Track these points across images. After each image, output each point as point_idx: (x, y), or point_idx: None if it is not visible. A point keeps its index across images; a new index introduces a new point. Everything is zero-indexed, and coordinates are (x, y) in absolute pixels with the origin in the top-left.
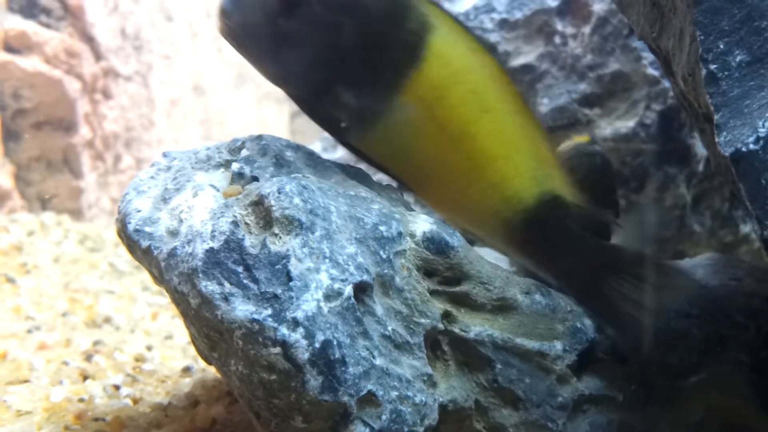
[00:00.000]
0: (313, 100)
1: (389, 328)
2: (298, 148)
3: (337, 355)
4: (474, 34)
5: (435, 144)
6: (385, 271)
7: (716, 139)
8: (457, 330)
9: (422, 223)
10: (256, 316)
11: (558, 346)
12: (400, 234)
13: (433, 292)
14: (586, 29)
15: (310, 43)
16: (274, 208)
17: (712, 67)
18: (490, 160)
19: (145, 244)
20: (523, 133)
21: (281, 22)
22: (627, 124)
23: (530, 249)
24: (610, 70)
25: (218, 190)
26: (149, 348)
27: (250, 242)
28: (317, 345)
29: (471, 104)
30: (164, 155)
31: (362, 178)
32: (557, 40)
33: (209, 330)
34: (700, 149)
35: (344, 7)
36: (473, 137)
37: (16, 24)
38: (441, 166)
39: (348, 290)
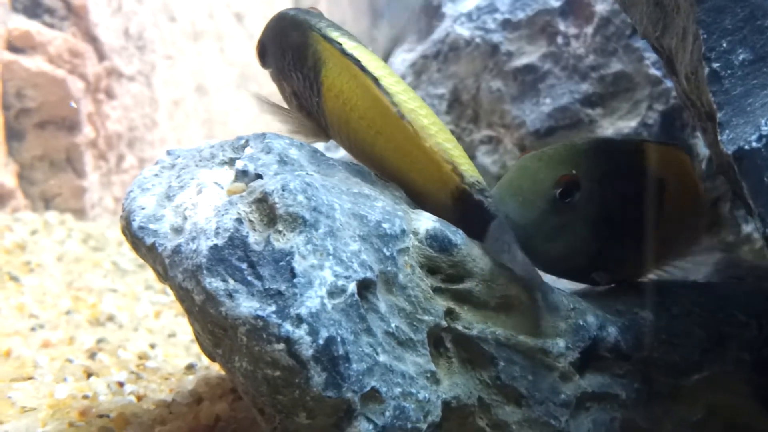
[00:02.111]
0: None
1: (393, 325)
2: (301, 146)
3: (341, 351)
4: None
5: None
6: (389, 268)
7: (719, 138)
8: (460, 327)
9: (425, 221)
10: (260, 313)
11: (561, 343)
12: (403, 231)
13: (436, 290)
14: (589, 29)
15: None
16: (278, 206)
17: (715, 65)
18: (398, 175)
19: (149, 241)
20: (420, 144)
21: None
22: (629, 124)
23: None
24: (612, 70)
25: (222, 188)
26: (153, 346)
27: (254, 239)
28: (321, 341)
29: (365, 129)
30: (168, 153)
31: (365, 176)
32: (560, 40)
33: (213, 326)
34: (702, 149)
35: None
36: (378, 157)
37: (20, 24)
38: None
39: (351, 287)
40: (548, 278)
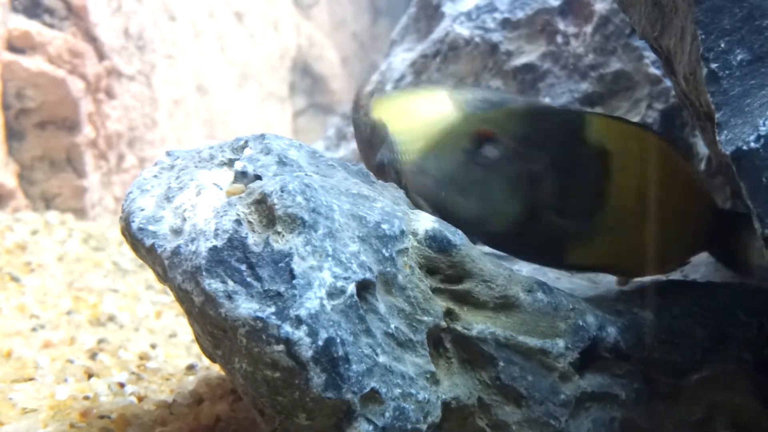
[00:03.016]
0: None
1: (392, 326)
2: (300, 146)
3: (341, 352)
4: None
5: None
6: (388, 269)
7: (717, 138)
8: (459, 328)
9: (424, 221)
10: (259, 314)
11: (560, 343)
12: (402, 232)
13: (435, 290)
14: (588, 29)
15: None
16: (277, 207)
17: (713, 65)
18: None
19: (148, 242)
20: None
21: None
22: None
23: None
24: (612, 69)
25: (221, 189)
26: (153, 346)
27: (254, 240)
28: (320, 342)
29: None
30: (167, 154)
31: (365, 177)
32: (559, 39)
33: (213, 328)
34: (701, 148)
35: None
36: None
37: (20, 24)
38: None
39: (351, 288)
40: (547, 278)
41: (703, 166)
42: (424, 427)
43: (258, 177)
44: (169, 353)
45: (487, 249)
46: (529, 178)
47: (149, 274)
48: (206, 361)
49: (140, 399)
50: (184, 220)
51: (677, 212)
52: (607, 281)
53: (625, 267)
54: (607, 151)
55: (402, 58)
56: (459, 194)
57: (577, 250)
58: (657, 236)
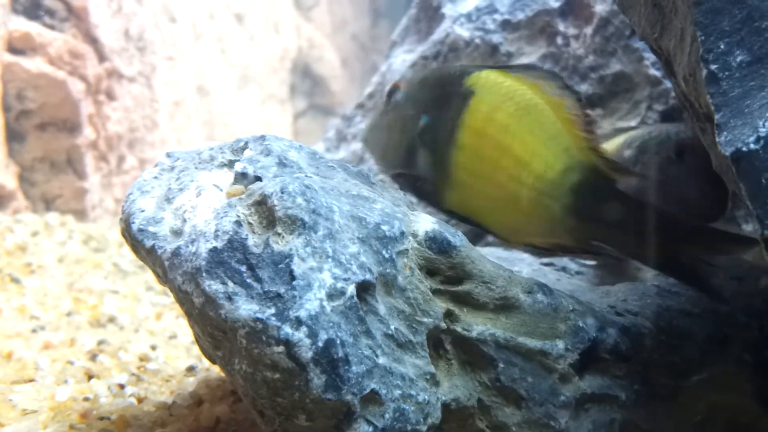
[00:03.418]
0: None
1: (392, 327)
2: (301, 148)
3: (340, 353)
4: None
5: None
6: (388, 270)
7: (717, 139)
8: (459, 329)
9: (424, 223)
10: (259, 315)
11: (560, 345)
12: (402, 233)
13: (435, 292)
14: (588, 30)
15: None
16: (277, 208)
17: (713, 67)
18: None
19: (149, 243)
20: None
21: None
22: (629, 125)
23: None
24: (612, 70)
25: (221, 190)
26: (153, 347)
27: (254, 242)
28: (320, 344)
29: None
30: (168, 155)
31: (365, 178)
32: (559, 40)
33: (213, 329)
34: None
35: None
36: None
37: (20, 25)
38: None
39: (351, 289)
40: (547, 279)
41: None
42: (424, 428)
43: (258, 178)
44: (169, 355)
45: (486, 250)
46: (412, 119)
47: (149, 276)
48: (206, 363)
49: (140, 400)
50: (185, 221)
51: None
52: (607, 283)
53: (480, 222)
54: (471, 93)
55: (402, 59)
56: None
57: (443, 192)
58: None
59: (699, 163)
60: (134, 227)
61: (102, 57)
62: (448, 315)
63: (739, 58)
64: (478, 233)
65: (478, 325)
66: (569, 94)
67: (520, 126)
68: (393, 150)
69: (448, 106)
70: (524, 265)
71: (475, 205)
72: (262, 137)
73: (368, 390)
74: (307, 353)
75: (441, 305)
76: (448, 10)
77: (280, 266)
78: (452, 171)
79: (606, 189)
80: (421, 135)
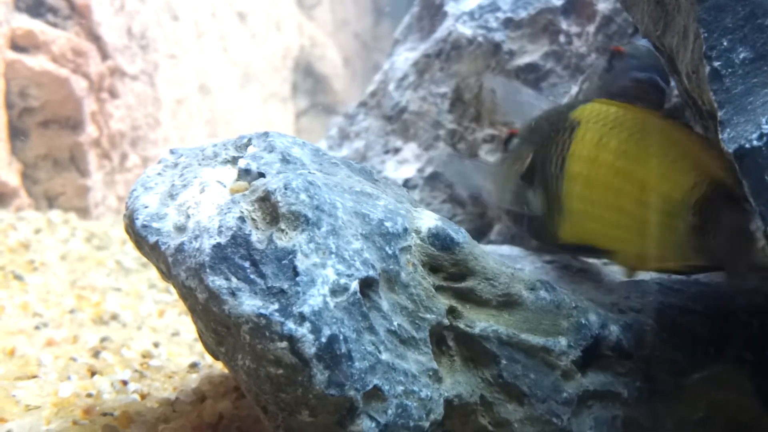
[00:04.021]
0: None
1: (395, 324)
2: (304, 144)
3: (344, 349)
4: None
5: None
6: (391, 266)
7: (720, 136)
8: (462, 325)
9: (427, 219)
10: (263, 311)
11: (563, 341)
12: (405, 230)
13: (438, 288)
14: (591, 28)
15: None
16: (280, 204)
17: (716, 64)
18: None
19: (152, 239)
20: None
21: None
22: None
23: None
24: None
25: (225, 186)
26: (156, 345)
27: (257, 237)
28: (323, 340)
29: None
30: (171, 152)
31: (368, 175)
32: (562, 39)
33: (216, 325)
34: None
35: None
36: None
37: (23, 23)
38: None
39: (354, 285)
40: (550, 277)
41: None
42: (427, 424)
43: (261, 174)
44: (172, 351)
45: (489, 248)
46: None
47: (152, 273)
48: (209, 359)
49: (143, 397)
50: (188, 217)
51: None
52: (610, 280)
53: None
54: (576, 124)
55: (405, 57)
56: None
57: (555, 225)
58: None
59: (628, 63)
60: (138, 223)
61: (105, 55)
62: (451, 311)
63: (742, 55)
64: (481, 230)
65: (480, 322)
66: (673, 121)
67: (639, 150)
68: (504, 191)
69: (554, 141)
70: (527, 262)
71: (594, 232)
72: (266, 134)
73: (371, 386)
74: (310, 349)
75: (444, 302)
76: (450, 8)
77: (283, 262)
78: (564, 202)
79: (730, 205)
80: (528, 172)
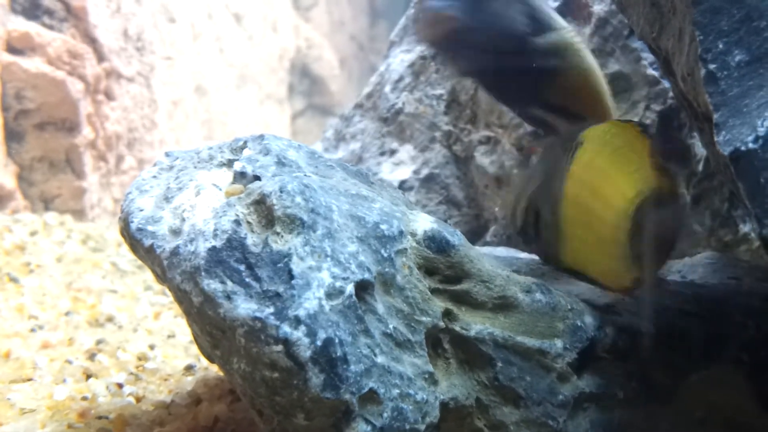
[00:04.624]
0: None
1: (390, 327)
2: (299, 147)
3: (339, 353)
4: None
5: None
6: (387, 269)
7: (715, 139)
8: (458, 328)
9: (423, 222)
10: (258, 314)
11: (558, 344)
12: (401, 233)
13: (434, 291)
14: (587, 30)
15: None
16: (276, 207)
17: (711, 66)
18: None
19: (147, 242)
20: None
21: None
22: None
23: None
24: (610, 70)
25: (220, 189)
26: (152, 347)
27: (252, 241)
28: (319, 343)
29: None
30: (167, 155)
31: (364, 177)
32: None
33: (212, 328)
34: (699, 149)
35: None
36: None
37: (19, 25)
38: None
39: (349, 288)
40: (546, 279)
41: (701, 167)
42: (422, 427)
43: (257, 177)
44: (168, 354)
45: (485, 250)
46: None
47: (148, 275)
48: (204, 362)
49: (138, 399)
50: (183, 220)
51: None
52: None
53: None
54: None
55: (401, 59)
56: None
57: (557, 248)
58: None
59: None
60: (133, 226)
61: (101, 57)
62: (447, 314)
63: (737, 58)
64: (477, 231)
65: (476, 324)
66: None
67: (611, 166)
68: (516, 212)
69: (561, 162)
70: (522, 264)
71: (579, 257)
72: (261, 136)
73: (367, 389)
74: (305, 352)
75: (440, 304)
76: None
77: (278, 265)
78: (562, 225)
79: (661, 208)
80: (536, 193)
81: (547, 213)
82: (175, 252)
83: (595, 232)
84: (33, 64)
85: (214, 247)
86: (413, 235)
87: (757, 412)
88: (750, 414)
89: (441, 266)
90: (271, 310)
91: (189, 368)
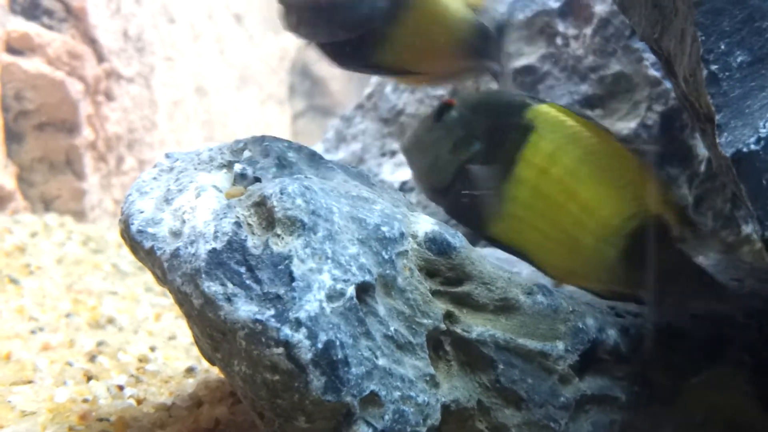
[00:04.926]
0: None
1: (392, 329)
2: (300, 149)
3: (340, 355)
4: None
5: None
6: (387, 271)
7: (717, 140)
8: (459, 330)
9: (424, 224)
10: (259, 317)
11: (560, 346)
12: (402, 234)
13: (435, 293)
14: (588, 30)
15: None
16: (276, 209)
17: (713, 67)
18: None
19: (148, 245)
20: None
21: None
22: (629, 125)
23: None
24: (611, 71)
25: (221, 191)
26: (153, 349)
27: (253, 243)
28: (320, 345)
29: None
30: (167, 156)
31: (364, 179)
32: (559, 41)
33: (212, 330)
34: (701, 150)
35: None
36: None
37: (19, 26)
38: None
39: (350, 291)
40: (546, 281)
41: (703, 168)
42: (424, 429)
43: (257, 179)
44: (169, 356)
45: (486, 251)
46: (463, 143)
47: (148, 277)
48: (205, 364)
49: (139, 402)
50: (184, 222)
51: None
52: None
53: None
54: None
55: None
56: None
57: (490, 221)
58: None
59: None
60: (133, 228)
61: (101, 57)
62: (448, 316)
63: (739, 59)
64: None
65: (477, 327)
66: (626, 146)
67: (587, 172)
68: (438, 171)
69: (506, 137)
70: (524, 265)
71: (527, 239)
72: (261, 138)
73: (368, 391)
74: (306, 355)
75: (441, 306)
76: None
77: (279, 267)
78: (505, 203)
79: (659, 239)
80: (473, 161)
81: (482, 185)
82: (175, 254)
83: (564, 232)
84: (32, 64)
85: (214, 249)
86: (414, 236)
87: (759, 413)
88: (751, 415)
89: (442, 268)
90: (272, 312)
91: (190, 370)
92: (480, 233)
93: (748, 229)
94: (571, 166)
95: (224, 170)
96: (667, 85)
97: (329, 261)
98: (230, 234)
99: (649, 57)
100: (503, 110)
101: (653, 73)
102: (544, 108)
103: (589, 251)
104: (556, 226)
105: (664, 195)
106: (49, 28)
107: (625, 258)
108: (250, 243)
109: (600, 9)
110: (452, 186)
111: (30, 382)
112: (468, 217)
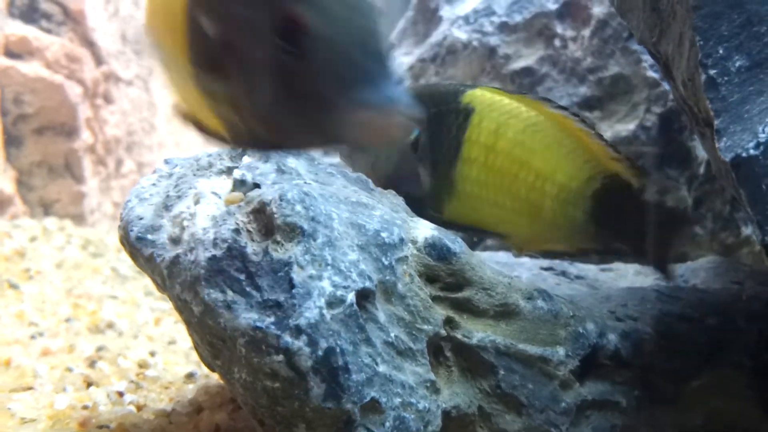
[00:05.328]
0: None
1: (392, 335)
2: (299, 154)
3: (340, 362)
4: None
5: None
6: (387, 277)
7: (716, 145)
8: (459, 336)
9: (424, 229)
10: (259, 324)
11: (560, 351)
12: (401, 240)
13: (435, 299)
14: (586, 32)
15: None
16: (276, 216)
17: (712, 72)
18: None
19: (147, 251)
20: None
21: None
22: (627, 127)
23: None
24: (610, 72)
25: (220, 198)
26: (152, 354)
27: (253, 250)
28: (320, 352)
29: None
30: (166, 162)
31: (363, 184)
32: (557, 43)
33: (212, 338)
34: (700, 152)
35: None
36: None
37: (17, 29)
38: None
39: (350, 297)
40: (547, 284)
41: (702, 170)
42: None
43: (257, 185)
44: (168, 361)
45: (486, 255)
46: None
47: (148, 281)
48: (206, 369)
49: (139, 408)
50: (183, 229)
51: None
52: (607, 287)
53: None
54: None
55: (400, 62)
56: None
57: (444, 203)
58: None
59: None
60: (132, 235)
61: (99, 60)
62: (448, 322)
63: (738, 63)
64: (477, 239)
65: (478, 332)
66: (566, 113)
67: (534, 141)
68: (381, 162)
69: (446, 122)
70: (524, 269)
71: (486, 214)
72: None
73: (368, 398)
74: (306, 362)
75: (441, 312)
76: (445, 12)
77: (279, 274)
78: (457, 183)
79: (624, 194)
80: (415, 148)
81: (429, 169)
82: (175, 261)
83: (522, 200)
84: (31, 68)
85: (214, 256)
86: (414, 242)
87: (760, 417)
88: (752, 419)
89: (442, 274)
90: (272, 319)
91: (190, 376)
92: (435, 218)
93: (747, 230)
94: (516, 138)
95: (223, 176)
96: (666, 86)
97: (329, 267)
98: (230, 241)
99: (648, 59)
100: (440, 99)
101: (652, 74)
102: (478, 92)
103: (553, 215)
104: (513, 196)
105: (613, 153)
106: (48, 31)
107: (592, 218)
108: (249, 250)
109: (598, 11)
110: (395, 175)
111: (30, 388)
112: (416, 203)
